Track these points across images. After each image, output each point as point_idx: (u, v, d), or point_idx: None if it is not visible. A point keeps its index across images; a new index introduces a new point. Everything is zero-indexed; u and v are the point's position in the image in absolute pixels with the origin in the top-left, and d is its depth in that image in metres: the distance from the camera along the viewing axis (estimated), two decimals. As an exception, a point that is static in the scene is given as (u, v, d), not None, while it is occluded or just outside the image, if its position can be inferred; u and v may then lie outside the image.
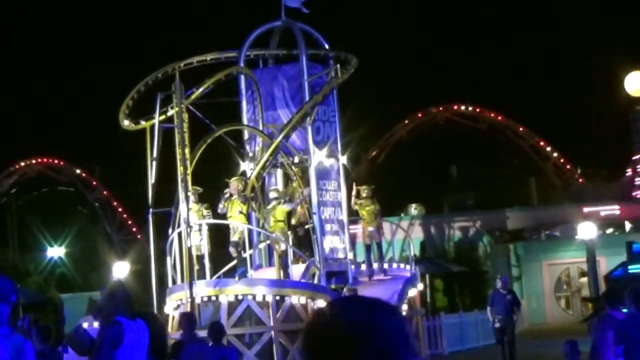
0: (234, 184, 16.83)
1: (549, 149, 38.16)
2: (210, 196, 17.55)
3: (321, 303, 16.50)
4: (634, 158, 38.12)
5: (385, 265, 20.07)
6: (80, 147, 37.01)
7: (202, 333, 11.64)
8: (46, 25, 43.00)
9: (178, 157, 16.37)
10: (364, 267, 19.71)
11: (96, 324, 14.10)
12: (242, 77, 18.63)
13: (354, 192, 19.18)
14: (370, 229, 19.10)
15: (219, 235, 17.71)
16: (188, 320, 10.63)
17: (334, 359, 2.40)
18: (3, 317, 4.92)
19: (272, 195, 17.60)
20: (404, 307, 18.21)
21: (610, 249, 31.38)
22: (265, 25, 19.36)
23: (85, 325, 17.01)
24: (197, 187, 17.23)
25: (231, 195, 16.79)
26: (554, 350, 20.67)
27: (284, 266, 16.96)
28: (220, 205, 16.88)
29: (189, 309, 15.40)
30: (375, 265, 19.55)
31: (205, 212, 17.19)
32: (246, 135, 18.66)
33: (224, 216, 17.03)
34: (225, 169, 18.61)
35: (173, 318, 16.36)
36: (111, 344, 6.29)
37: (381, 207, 19.50)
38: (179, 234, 16.42)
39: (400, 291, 18.29)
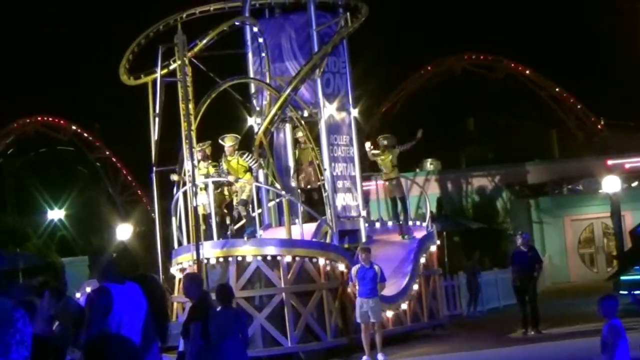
0: (227, 143, 16.22)
1: (571, 99, 37.05)
2: (215, 153, 16.96)
3: (334, 263, 15.96)
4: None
5: (410, 223, 19.32)
6: (80, 104, 36.13)
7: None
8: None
9: (182, 112, 15.91)
10: (378, 225, 19.09)
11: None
12: (248, 28, 18.14)
13: (368, 145, 18.49)
14: (389, 181, 18.50)
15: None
16: (199, 282, 9.84)
17: None
18: None
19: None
20: (421, 265, 17.57)
21: (636, 202, 30.75)
22: (270, -29, 18.60)
23: (88, 289, 16.57)
24: (204, 143, 16.60)
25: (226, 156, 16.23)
26: (577, 309, 20.04)
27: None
28: (225, 172, 16.27)
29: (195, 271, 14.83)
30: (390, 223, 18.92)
31: (212, 170, 16.61)
32: (253, 89, 18.22)
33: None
34: (231, 125, 18.01)
35: (179, 281, 15.94)
36: (101, 312, 6.24)
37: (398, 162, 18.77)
38: (184, 193, 15.89)
39: (416, 250, 17.69)
